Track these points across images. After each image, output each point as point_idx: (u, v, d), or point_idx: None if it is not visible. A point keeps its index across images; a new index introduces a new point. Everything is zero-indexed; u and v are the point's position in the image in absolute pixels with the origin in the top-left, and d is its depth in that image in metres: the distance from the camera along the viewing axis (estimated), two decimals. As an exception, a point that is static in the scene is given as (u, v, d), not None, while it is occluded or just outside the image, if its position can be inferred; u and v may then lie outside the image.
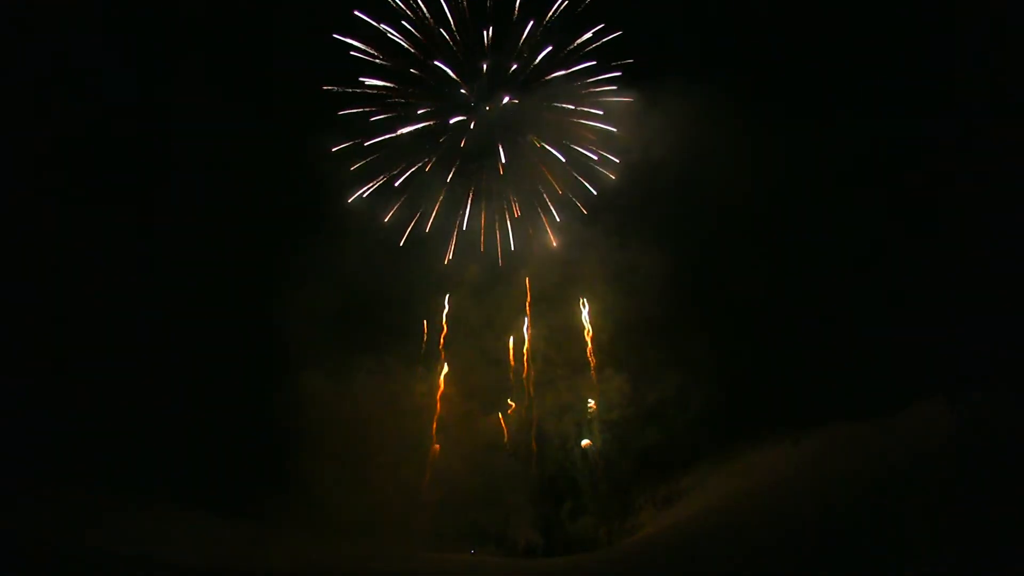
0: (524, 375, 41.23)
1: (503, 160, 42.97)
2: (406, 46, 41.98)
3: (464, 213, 43.40)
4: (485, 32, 41.84)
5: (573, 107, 42.57)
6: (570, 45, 42.17)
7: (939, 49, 35.93)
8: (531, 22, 41.70)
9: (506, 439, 41.12)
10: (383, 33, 41.48)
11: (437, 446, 40.67)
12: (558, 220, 43.28)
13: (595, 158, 42.73)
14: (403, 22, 41.71)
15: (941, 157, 35.91)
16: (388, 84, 42.33)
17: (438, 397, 40.72)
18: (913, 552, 28.60)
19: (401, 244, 42.65)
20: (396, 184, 42.72)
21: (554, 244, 43.17)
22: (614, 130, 42.11)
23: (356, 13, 41.20)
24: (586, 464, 39.93)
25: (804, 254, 37.13)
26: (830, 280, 37.55)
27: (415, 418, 40.46)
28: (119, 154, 41.17)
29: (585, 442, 40.44)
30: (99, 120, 40.25)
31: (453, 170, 43.33)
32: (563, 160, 42.61)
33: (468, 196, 43.65)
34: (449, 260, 42.81)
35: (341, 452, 39.46)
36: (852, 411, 35.48)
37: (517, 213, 43.41)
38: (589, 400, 41.00)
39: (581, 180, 42.80)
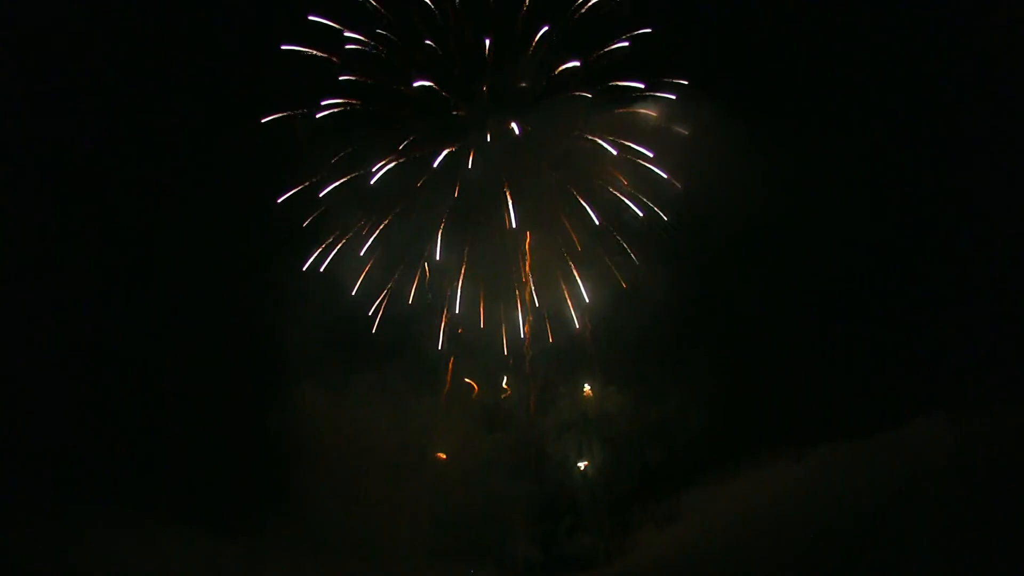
0: (525, 391, 38.99)
1: (512, 213, 33.14)
2: (378, 52, 33.12)
3: (456, 287, 34.28)
4: (486, 40, 32.24)
5: (610, 147, 32.58)
6: (599, 54, 32.55)
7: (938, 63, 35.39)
8: (545, 27, 31.94)
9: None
10: (349, 42, 32.56)
11: (443, 455, 39.32)
12: (586, 300, 34.58)
13: (641, 214, 33.71)
14: (378, 30, 32.62)
15: (938, 171, 35.71)
16: (355, 103, 33.25)
17: (438, 414, 39.46)
18: (913, 570, 28.40)
19: (374, 331, 35.20)
20: (362, 252, 33.71)
21: (577, 329, 35.18)
22: (663, 175, 32.98)
23: (312, 18, 32.13)
24: (585, 482, 39.18)
25: (803, 269, 36.46)
26: (829, 296, 37.28)
27: (414, 435, 39.42)
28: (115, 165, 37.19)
29: (583, 464, 39.15)
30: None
31: (442, 225, 33.77)
32: (596, 221, 33.01)
33: (462, 263, 34.45)
34: (441, 347, 35.56)
35: (339, 469, 38.53)
36: (852, 428, 35.08)
37: (531, 294, 34.31)
38: (585, 386, 37.59)
39: (621, 240, 33.90)
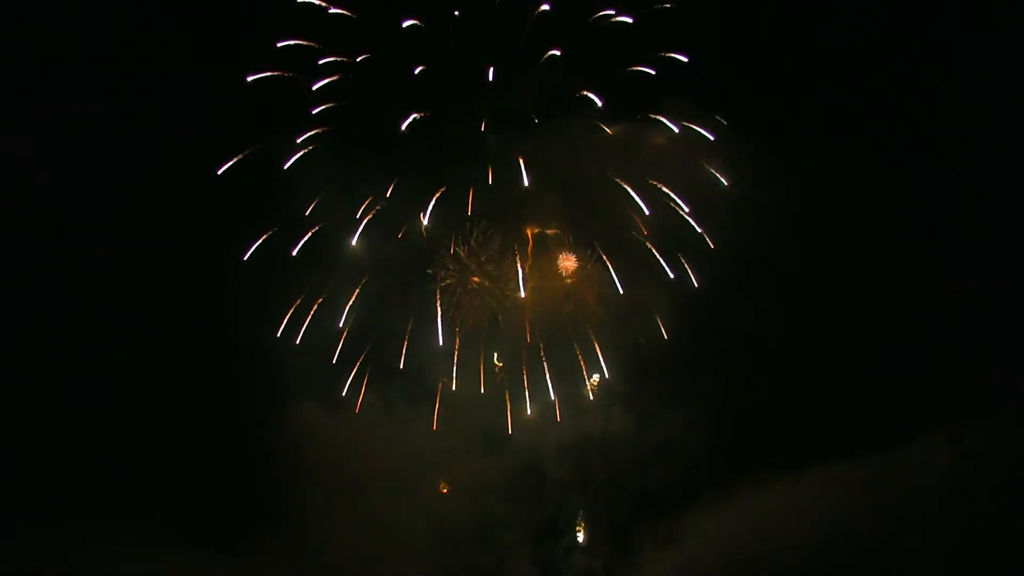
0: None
1: (521, 276, 29.47)
2: (359, 78, 28.31)
3: (452, 366, 30.84)
4: (489, 71, 27.84)
5: (637, 195, 28.31)
6: (623, 80, 28.27)
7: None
8: (556, 50, 27.36)
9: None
10: (325, 71, 28.26)
11: (445, 489, 38.49)
12: (607, 376, 32.17)
13: (672, 275, 30.48)
14: (359, 57, 27.99)
15: (934, 185, 34.96)
16: (331, 134, 28.79)
17: (436, 434, 37.53)
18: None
19: (356, 411, 32.98)
20: (340, 323, 30.28)
21: (592, 399, 32.58)
22: (699, 230, 29.33)
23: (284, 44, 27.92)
24: (585, 503, 38.84)
25: (803, 289, 35.91)
26: (828, 315, 36.59)
27: (413, 456, 38.37)
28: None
29: (579, 525, 38.29)
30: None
31: (439, 297, 29.87)
32: (620, 289, 29.60)
33: (455, 337, 30.84)
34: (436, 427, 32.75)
35: (337, 488, 38.00)
36: (852, 447, 34.82)
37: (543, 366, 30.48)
38: (595, 376, 34.02)
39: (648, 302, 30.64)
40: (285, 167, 29.04)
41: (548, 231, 31.03)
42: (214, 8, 29.89)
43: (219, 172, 29.11)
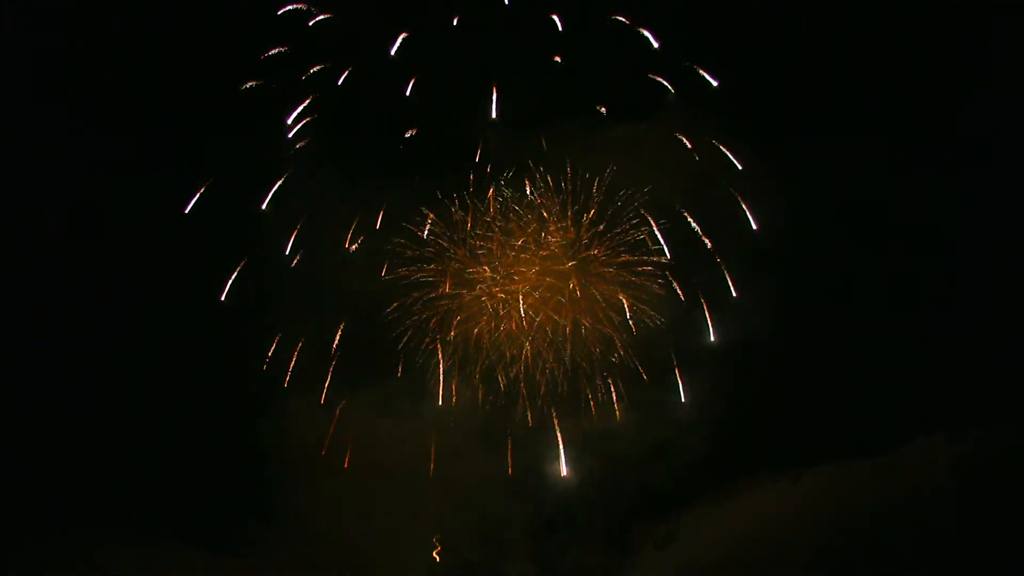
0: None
1: (522, 311, 28.17)
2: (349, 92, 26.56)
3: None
4: (493, 89, 25.09)
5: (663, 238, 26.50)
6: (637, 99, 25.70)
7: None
8: (560, 56, 24.88)
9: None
10: (310, 88, 26.63)
11: (438, 550, 37.97)
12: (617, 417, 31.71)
13: (684, 301, 29.51)
14: (343, 76, 25.83)
15: (934, 187, 35.02)
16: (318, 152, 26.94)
17: (434, 433, 37.46)
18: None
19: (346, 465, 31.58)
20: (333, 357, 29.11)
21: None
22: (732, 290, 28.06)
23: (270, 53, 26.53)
24: (584, 501, 38.49)
25: (802, 291, 35.84)
26: (828, 317, 36.52)
27: (411, 454, 37.81)
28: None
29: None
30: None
31: (436, 345, 28.97)
32: (634, 330, 28.62)
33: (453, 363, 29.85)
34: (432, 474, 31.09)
35: (336, 487, 37.86)
36: (851, 449, 35.01)
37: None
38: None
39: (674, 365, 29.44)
40: (263, 204, 28.51)
41: (554, 237, 29.77)
42: (190, 20, 28.95)
43: (213, 177, 28.51)
